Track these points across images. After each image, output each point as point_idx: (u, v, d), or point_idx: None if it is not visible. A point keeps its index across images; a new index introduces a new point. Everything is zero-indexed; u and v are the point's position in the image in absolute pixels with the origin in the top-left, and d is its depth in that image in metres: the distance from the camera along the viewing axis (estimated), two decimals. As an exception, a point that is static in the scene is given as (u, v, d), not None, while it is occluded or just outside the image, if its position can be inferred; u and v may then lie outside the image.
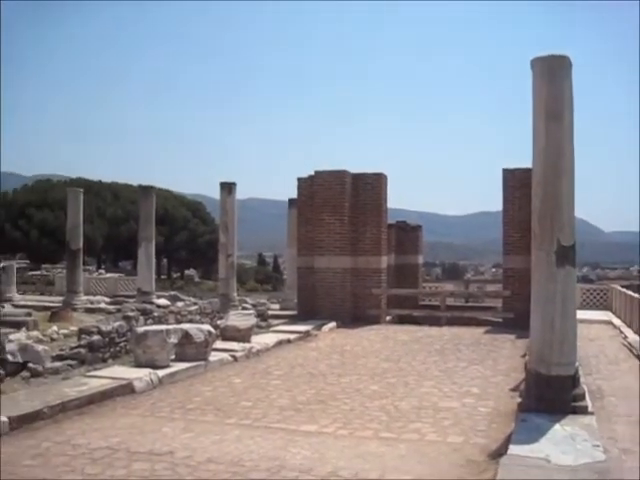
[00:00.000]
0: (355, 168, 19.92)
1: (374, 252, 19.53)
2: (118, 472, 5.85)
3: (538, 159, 7.65)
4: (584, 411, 7.29)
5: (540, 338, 7.49)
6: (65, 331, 14.07)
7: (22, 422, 7.24)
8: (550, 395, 7.27)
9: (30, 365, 9.76)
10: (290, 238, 23.05)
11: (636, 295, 16.62)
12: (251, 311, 15.92)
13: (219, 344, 12.35)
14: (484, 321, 19.60)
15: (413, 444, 6.84)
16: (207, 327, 11.66)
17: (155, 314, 13.77)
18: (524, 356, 11.51)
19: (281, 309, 21.81)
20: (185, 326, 11.55)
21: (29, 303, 22.60)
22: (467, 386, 9.92)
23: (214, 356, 11.50)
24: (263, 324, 16.50)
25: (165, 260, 56.47)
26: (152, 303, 16.77)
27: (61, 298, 23.61)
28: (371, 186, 19.73)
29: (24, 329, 14.03)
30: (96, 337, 11.23)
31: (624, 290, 19.60)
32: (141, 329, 11.01)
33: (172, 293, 21.30)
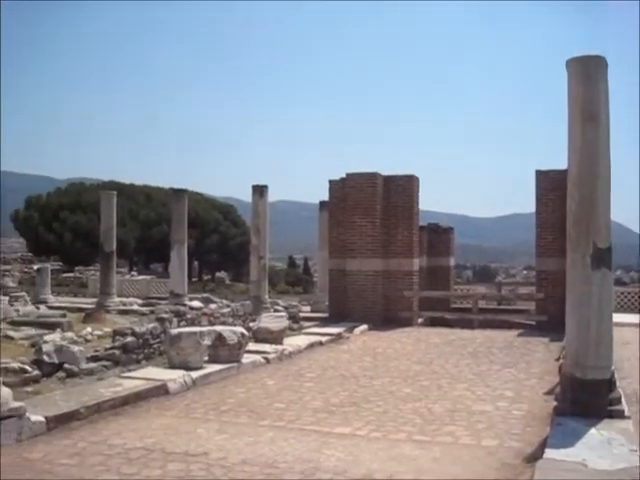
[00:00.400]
0: (386, 170, 19.88)
1: (406, 254, 19.49)
2: (154, 472, 5.90)
3: (574, 161, 7.57)
4: (620, 415, 7.20)
5: (575, 341, 7.42)
6: (99, 332, 14.20)
7: (59, 422, 7.33)
8: (586, 399, 7.19)
9: (66, 366, 9.89)
10: (321, 240, 23.06)
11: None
12: (283, 313, 15.94)
13: (251, 346, 12.40)
14: (517, 324, 19.43)
15: (447, 447, 6.81)
16: (240, 329, 11.71)
17: (188, 316, 13.84)
18: (558, 359, 11.43)
19: (312, 311, 21.81)
20: (218, 328, 11.61)
21: (63, 304, 22.86)
22: (501, 389, 9.86)
23: (247, 358, 11.55)
24: (295, 326, 16.54)
25: (196, 263, 56.74)
26: (185, 305, 16.85)
27: (94, 300, 23.84)
28: (402, 188, 19.68)
29: (59, 330, 14.20)
30: (130, 338, 11.33)
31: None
32: (175, 331, 11.08)
33: (204, 295, 21.37)
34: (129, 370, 10.38)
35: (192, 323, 13.50)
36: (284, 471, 5.96)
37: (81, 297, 30.30)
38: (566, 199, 7.82)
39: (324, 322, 18.55)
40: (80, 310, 19.84)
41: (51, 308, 20.66)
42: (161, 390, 9.14)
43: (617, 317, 17.91)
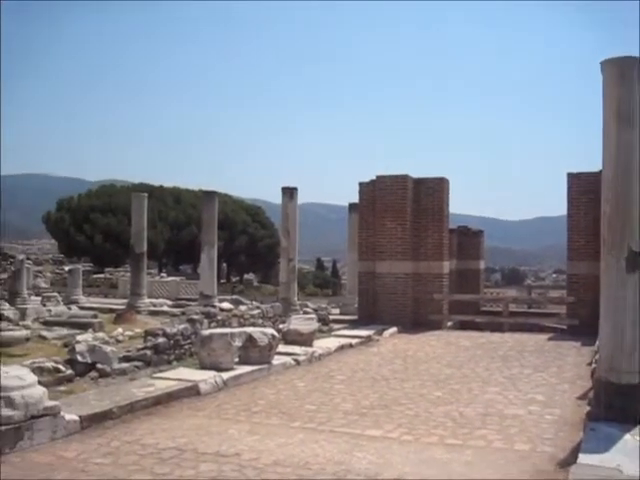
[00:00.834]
0: (415, 172, 19.86)
1: (436, 257, 19.43)
2: (187, 472, 5.93)
3: (609, 163, 7.49)
4: (656, 421, 7.12)
5: (610, 345, 7.33)
6: (130, 333, 14.33)
7: (92, 421, 7.40)
8: (620, 404, 7.09)
9: (98, 366, 9.98)
10: (351, 243, 23.08)
11: None
12: (313, 315, 15.97)
13: (281, 348, 12.41)
14: (547, 328, 19.30)
15: (479, 451, 6.77)
16: (270, 331, 11.74)
17: (219, 317, 13.92)
18: (590, 364, 11.30)
19: (341, 314, 21.83)
20: (249, 329, 11.64)
21: (94, 305, 23.10)
22: (532, 393, 9.78)
23: (277, 360, 11.58)
24: (324, 328, 16.56)
25: (224, 264, 56.98)
26: (215, 306, 16.94)
27: (124, 300, 24.05)
28: (433, 190, 19.65)
29: (90, 330, 14.36)
30: (161, 339, 11.41)
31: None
32: (206, 332, 11.13)
33: (234, 297, 21.49)
34: (160, 370, 10.45)
35: (222, 324, 13.58)
36: (316, 473, 5.96)
37: (111, 298, 30.58)
38: (598, 202, 7.75)
39: (353, 324, 18.54)
40: (111, 311, 20.03)
41: (82, 309, 20.88)
42: (192, 391, 9.19)
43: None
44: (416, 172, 20.01)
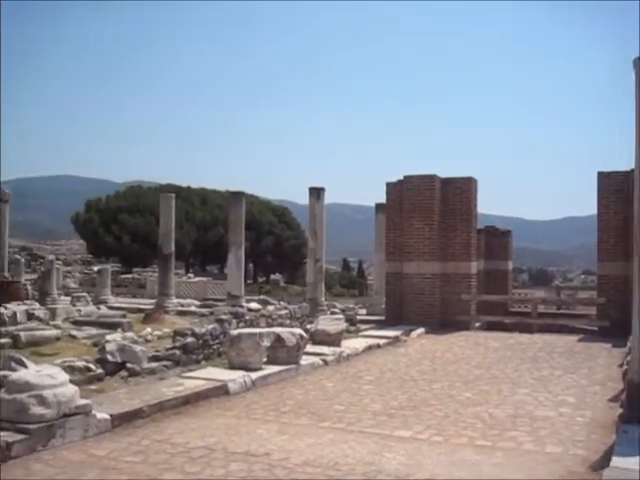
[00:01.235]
0: (443, 172, 19.80)
1: (464, 257, 19.35)
2: (217, 472, 5.94)
3: (641, 162, 7.39)
4: (689, 424, 7.01)
5: (642, 347, 7.24)
6: (159, 333, 14.40)
7: (123, 420, 7.45)
8: (653, 406, 7.01)
9: (128, 365, 10.05)
10: (377, 243, 23.04)
11: None
12: (340, 316, 15.97)
13: (309, 348, 12.40)
14: (577, 329, 19.12)
15: (510, 453, 6.71)
16: (298, 331, 11.74)
17: (247, 317, 13.96)
18: (622, 365, 11.18)
19: (368, 314, 21.79)
20: (277, 330, 11.66)
21: (123, 305, 23.23)
22: (562, 395, 9.69)
23: (305, 360, 11.58)
24: (352, 329, 16.55)
25: (251, 265, 57.12)
26: (242, 307, 16.99)
27: (153, 300, 24.17)
28: (460, 190, 19.57)
29: (119, 330, 14.44)
30: (190, 339, 11.47)
31: None
32: (235, 332, 11.16)
33: (261, 297, 21.55)
34: (189, 370, 10.51)
35: (250, 324, 13.62)
36: (346, 473, 5.94)
37: (139, 298, 30.77)
38: (629, 201, 7.67)
39: (381, 325, 18.51)
40: (139, 311, 20.13)
41: (111, 308, 21.00)
42: (221, 390, 9.21)
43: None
44: (444, 172, 19.94)
